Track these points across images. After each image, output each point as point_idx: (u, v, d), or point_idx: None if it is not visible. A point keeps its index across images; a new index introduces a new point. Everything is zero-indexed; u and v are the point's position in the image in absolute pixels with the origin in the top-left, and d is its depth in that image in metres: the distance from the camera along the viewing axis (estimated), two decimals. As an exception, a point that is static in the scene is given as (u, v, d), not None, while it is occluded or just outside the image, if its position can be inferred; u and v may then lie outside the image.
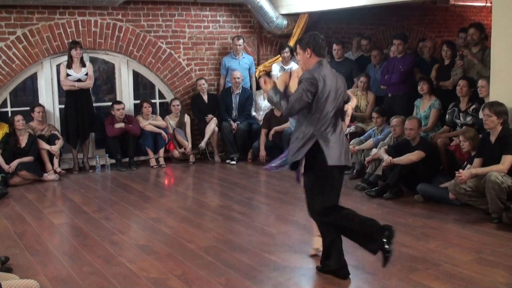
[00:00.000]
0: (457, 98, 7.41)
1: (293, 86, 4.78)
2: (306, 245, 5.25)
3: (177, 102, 9.66)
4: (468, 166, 6.29)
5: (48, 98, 9.08)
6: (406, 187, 7.07)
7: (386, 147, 7.29)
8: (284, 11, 10.14)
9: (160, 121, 9.53)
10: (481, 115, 6.36)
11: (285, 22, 10.20)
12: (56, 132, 8.76)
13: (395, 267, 4.61)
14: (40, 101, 9.00)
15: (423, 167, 6.84)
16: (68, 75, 8.60)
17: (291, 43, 10.09)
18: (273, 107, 4.57)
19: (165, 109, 10.14)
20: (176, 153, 9.63)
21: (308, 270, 4.60)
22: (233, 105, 9.84)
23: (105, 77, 10.01)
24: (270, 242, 5.35)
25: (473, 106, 7.14)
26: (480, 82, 6.93)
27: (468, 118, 7.16)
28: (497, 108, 5.89)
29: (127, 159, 9.25)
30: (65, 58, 8.83)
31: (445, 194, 6.35)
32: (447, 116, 7.53)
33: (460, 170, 6.03)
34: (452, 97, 7.58)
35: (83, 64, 8.72)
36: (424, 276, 4.40)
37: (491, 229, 5.60)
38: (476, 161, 6.14)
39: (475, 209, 6.09)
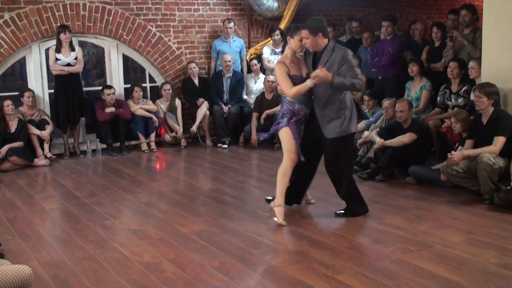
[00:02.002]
0: (448, 80, 7.41)
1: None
2: (299, 228, 5.26)
3: (168, 86, 9.61)
4: (460, 147, 6.30)
5: (38, 82, 9.00)
6: (398, 169, 7.09)
7: (378, 129, 7.29)
8: (274, -6, 10.08)
9: (150, 105, 9.48)
10: (472, 96, 6.36)
11: (275, 4, 10.13)
12: (46, 117, 8.69)
13: (387, 248, 4.63)
14: (29, 86, 8.91)
15: (415, 149, 6.85)
16: (57, 59, 8.52)
17: (282, 25, 10.04)
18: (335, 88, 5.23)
19: (155, 93, 10.09)
20: (167, 137, 9.60)
21: (301, 252, 4.61)
22: (224, 88, 9.80)
23: (95, 61, 9.94)
24: (263, 225, 5.35)
25: (465, 88, 7.14)
26: (471, 64, 6.93)
27: (460, 100, 7.17)
28: (488, 89, 5.89)
29: (118, 144, 9.22)
30: (53, 42, 8.73)
31: (437, 176, 6.38)
32: (438, 98, 7.53)
33: (452, 152, 6.03)
34: (444, 79, 7.58)
35: (72, 48, 8.64)
36: (416, 258, 4.41)
37: (482, 210, 5.63)
38: (468, 142, 6.16)
39: (467, 190, 6.12)
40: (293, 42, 5.34)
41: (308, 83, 5.16)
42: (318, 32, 5.17)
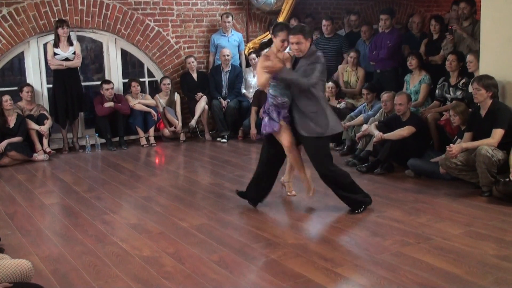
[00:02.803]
0: (447, 72, 7.41)
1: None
2: (298, 221, 5.28)
3: (167, 81, 9.60)
4: (459, 140, 6.31)
5: (36, 77, 8.99)
6: (397, 163, 7.09)
7: (377, 122, 7.29)
8: (273, -13, 10.06)
9: (149, 100, 9.47)
10: (471, 89, 6.36)
11: (273, -2, 10.13)
12: (45, 112, 8.68)
13: (386, 241, 4.64)
14: (28, 81, 8.90)
15: (413, 142, 6.85)
16: (55, 54, 8.51)
17: (280, 19, 10.02)
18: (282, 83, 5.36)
19: (154, 88, 10.09)
20: (166, 132, 9.60)
21: (300, 246, 4.62)
22: (223, 82, 9.79)
23: (93, 56, 9.92)
24: (262, 219, 5.37)
25: (463, 81, 7.14)
26: (469, 57, 6.92)
27: (458, 93, 7.17)
28: (486, 81, 5.89)
29: (117, 139, 9.22)
30: (52, 37, 8.72)
31: (435, 168, 6.38)
32: (437, 91, 7.53)
33: (451, 145, 6.04)
34: (442, 72, 7.58)
35: (70, 43, 8.62)
36: (415, 250, 4.43)
37: (481, 203, 5.65)
38: (466, 135, 6.16)
39: (466, 183, 6.13)
40: (275, 41, 5.32)
41: (266, 73, 5.20)
42: (309, 38, 5.23)
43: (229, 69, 9.75)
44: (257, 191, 5.68)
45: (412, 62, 7.82)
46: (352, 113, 8.27)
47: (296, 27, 5.32)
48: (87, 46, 9.72)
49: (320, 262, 4.26)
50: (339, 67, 9.26)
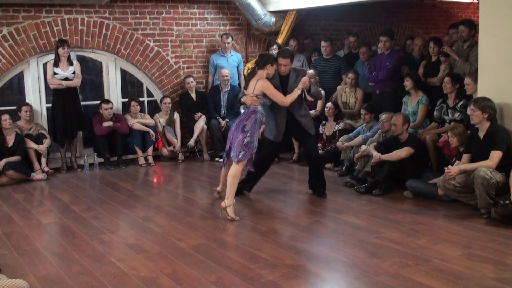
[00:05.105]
0: (445, 94, 7.44)
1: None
2: (296, 242, 5.27)
3: (168, 100, 9.63)
4: (457, 162, 6.32)
5: (35, 97, 9.01)
6: (395, 183, 7.09)
7: (375, 143, 7.30)
8: (272, 8, 10.13)
9: (148, 120, 9.48)
10: (469, 111, 6.38)
11: (273, 19, 10.19)
12: (43, 131, 8.69)
13: (385, 263, 4.63)
14: (27, 100, 8.91)
15: (412, 163, 6.86)
16: (55, 73, 8.54)
17: (279, 40, 10.09)
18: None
19: (153, 107, 10.11)
20: (165, 151, 9.60)
21: (299, 267, 4.60)
22: (222, 102, 9.82)
23: (93, 76, 9.95)
24: (261, 240, 5.35)
25: (461, 102, 7.17)
26: (466, 80, 6.96)
27: (457, 114, 7.19)
28: (482, 103, 5.91)
29: (115, 158, 9.21)
30: (51, 56, 8.76)
31: (434, 190, 6.38)
32: (435, 113, 7.56)
33: (449, 166, 6.05)
34: (441, 94, 7.60)
35: (70, 63, 8.66)
36: (414, 272, 4.41)
37: (480, 225, 5.64)
38: (465, 157, 6.17)
39: (464, 204, 6.13)
40: (271, 69, 6.32)
41: (298, 91, 6.35)
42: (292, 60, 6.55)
43: (228, 89, 9.78)
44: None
45: (407, 83, 7.87)
46: (351, 134, 8.29)
47: (285, 52, 6.67)
48: (86, 65, 9.75)
49: (318, 283, 4.24)
50: (338, 88, 9.30)
